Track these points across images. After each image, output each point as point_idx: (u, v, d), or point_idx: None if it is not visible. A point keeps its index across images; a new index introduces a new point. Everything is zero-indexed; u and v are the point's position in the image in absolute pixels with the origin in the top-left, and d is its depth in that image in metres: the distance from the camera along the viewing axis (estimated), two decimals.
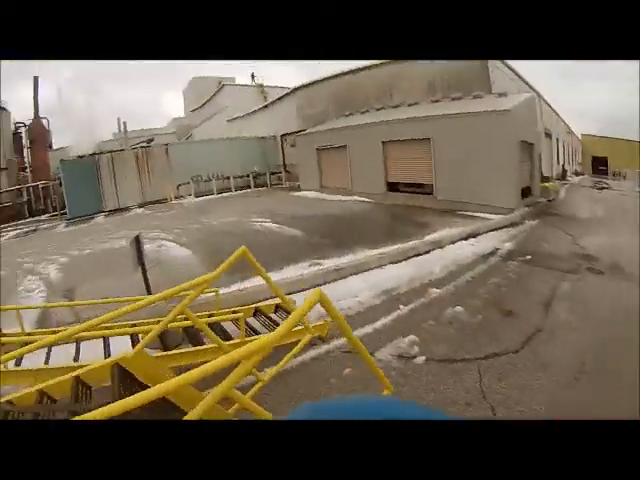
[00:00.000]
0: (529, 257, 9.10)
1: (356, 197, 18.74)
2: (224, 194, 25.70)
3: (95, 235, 15.28)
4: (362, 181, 18.92)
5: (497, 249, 9.87)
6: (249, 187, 27.67)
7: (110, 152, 25.90)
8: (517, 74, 22.52)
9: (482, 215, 13.36)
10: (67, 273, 10.07)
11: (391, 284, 7.35)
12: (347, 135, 19.31)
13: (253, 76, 45.28)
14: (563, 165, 35.64)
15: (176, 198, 25.38)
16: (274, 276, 7.68)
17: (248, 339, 4.60)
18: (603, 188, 29.55)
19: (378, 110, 21.38)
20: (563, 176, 32.62)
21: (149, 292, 5.89)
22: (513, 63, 21.55)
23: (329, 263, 8.40)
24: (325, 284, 7.43)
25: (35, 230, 20.66)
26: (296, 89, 29.12)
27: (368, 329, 5.77)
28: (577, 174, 44.25)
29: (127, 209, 23.91)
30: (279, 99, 31.64)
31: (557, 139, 31.66)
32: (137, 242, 5.89)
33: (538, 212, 15.36)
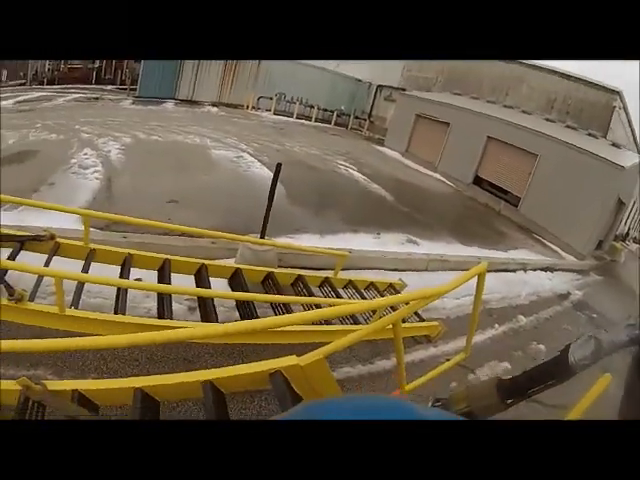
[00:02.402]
0: (595, 315, 9.09)
1: (438, 176, 18.51)
2: (303, 121, 25.12)
3: (165, 122, 14.41)
4: (451, 163, 18.55)
5: (569, 293, 9.84)
6: (329, 123, 26.96)
7: None
8: (633, 131, 21.88)
9: (555, 248, 13.41)
10: (130, 158, 9.15)
11: (485, 296, 7.24)
12: (455, 114, 18.73)
13: None
14: (629, 229, 34.90)
15: (253, 108, 24.78)
16: (372, 242, 7.61)
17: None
18: None
19: (489, 102, 20.69)
20: (624, 239, 31.93)
21: (263, 232, 5.39)
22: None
23: (426, 245, 8.29)
24: (426, 271, 7.30)
25: (98, 99, 19.11)
26: None
27: None
28: (635, 241, 43.29)
29: (199, 103, 23.01)
30: None
31: (634, 202, 30.84)
32: (277, 172, 5.27)
33: (603, 269, 15.17)
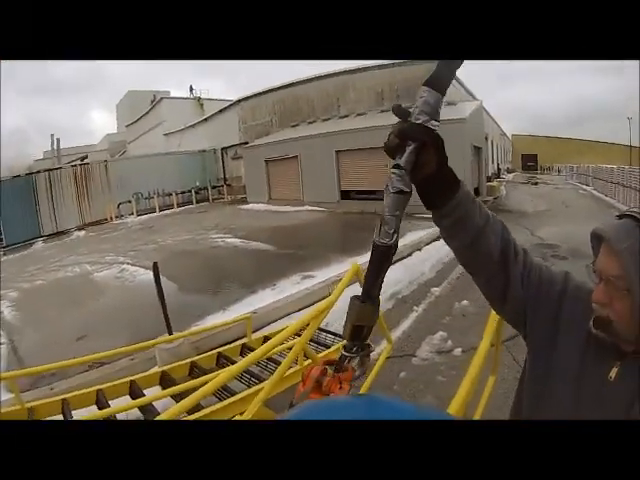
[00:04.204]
0: None
1: (308, 207, 18.86)
2: (166, 211, 25.09)
3: (41, 263, 14.19)
4: (314, 191, 19.08)
5: None
6: (191, 203, 27.21)
7: (47, 170, 24.43)
8: (459, 82, 23.65)
9: None
10: (23, 311, 8.82)
11: (394, 288, 7.40)
12: (299, 145, 19.34)
13: (191, 89, 44.36)
14: (498, 164, 37.78)
15: (117, 217, 24.53)
16: (271, 294, 7.57)
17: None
18: (537, 183, 31.62)
19: (325, 120, 21.57)
20: (498, 174, 34.51)
21: (169, 329, 5.39)
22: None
23: (321, 274, 8.33)
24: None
25: None
26: (239, 101, 29.01)
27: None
28: (509, 171, 47.11)
29: (66, 232, 22.68)
30: (220, 111, 31.36)
31: (492, 141, 33.27)
32: (156, 271, 5.42)
33: (491, 210, 16.01)
